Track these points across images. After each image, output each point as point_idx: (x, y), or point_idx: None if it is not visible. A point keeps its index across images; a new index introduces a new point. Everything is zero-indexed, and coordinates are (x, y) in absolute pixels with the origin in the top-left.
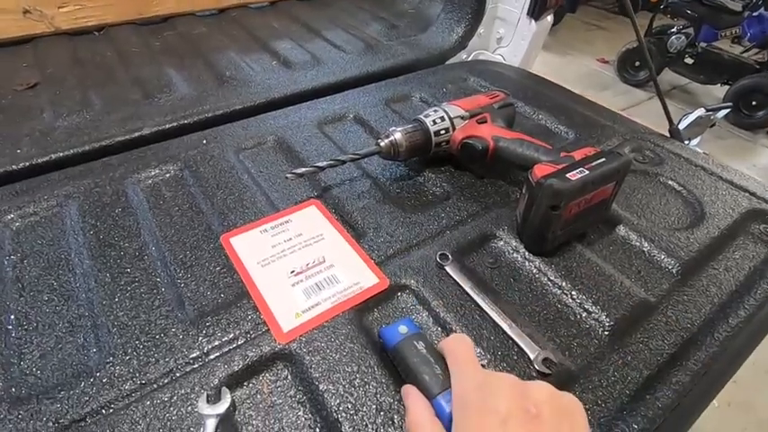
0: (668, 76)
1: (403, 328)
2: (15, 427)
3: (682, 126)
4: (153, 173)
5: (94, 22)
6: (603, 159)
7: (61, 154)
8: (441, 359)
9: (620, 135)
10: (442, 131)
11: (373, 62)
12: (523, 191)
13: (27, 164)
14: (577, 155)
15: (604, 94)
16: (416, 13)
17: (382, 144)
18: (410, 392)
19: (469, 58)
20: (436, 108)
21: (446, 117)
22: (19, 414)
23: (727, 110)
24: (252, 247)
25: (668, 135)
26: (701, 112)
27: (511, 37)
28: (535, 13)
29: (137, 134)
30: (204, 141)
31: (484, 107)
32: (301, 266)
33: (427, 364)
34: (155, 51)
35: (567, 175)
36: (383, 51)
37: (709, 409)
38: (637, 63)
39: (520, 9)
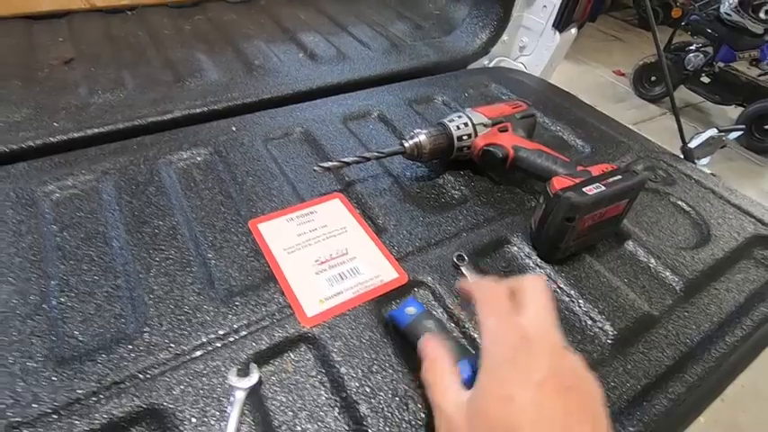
0: (683, 94)
1: (411, 309)
2: (62, 385)
3: (693, 145)
4: (185, 155)
5: (128, 0)
6: (619, 177)
7: (96, 130)
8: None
9: (634, 152)
10: (465, 137)
11: (397, 61)
12: (540, 201)
13: (64, 137)
14: (594, 170)
15: (618, 106)
16: (442, 16)
17: (406, 145)
18: (429, 341)
19: (491, 64)
20: (460, 114)
21: (469, 123)
22: (64, 372)
23: (740, 132)
24: (278, 235)
25: (681, 155)
26: (713, 132)
27: (534, 46)
28: (560, 25)
29: (168, 116)
30: (234, 128)
31: (506, 116)
32: (325, 256)
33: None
34: (185, 35)
35: (584, 190)
36: (407, 51)
37: (696, 426)
38: (653, 78)
39: (545, 20)
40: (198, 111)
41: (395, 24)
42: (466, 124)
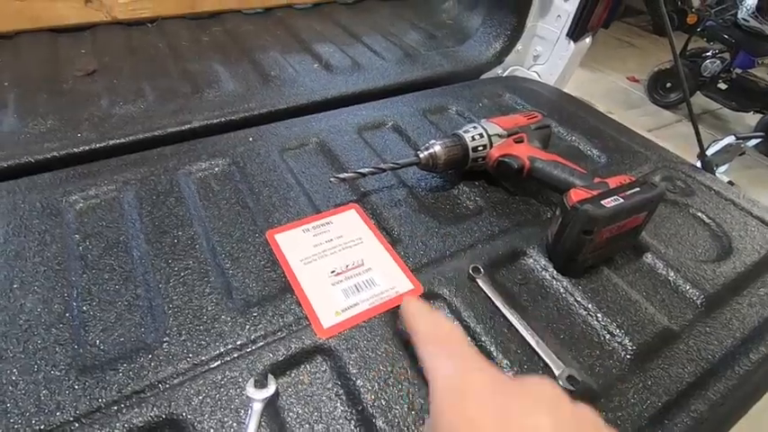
0: (699, 100)
1: None
2: (84, 393)
3: (711, 152)
4: (203, 166)
5: (148, 14)
6: (638, 189)
7: (117, 141)
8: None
9: (651, 163)
10: (480, 148)
11: (411, 71)
12: (557, 213)
13: (87, 148)
14: (612, 182)
15: (632, 113)
16: (455, 26)
17: (421, 156)
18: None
19: (505, 73)
20: (475, 125)
21: (485, 134)
22: (87, 381)
23: (758, 139)
24: (295, 245)
25: (699, 164)
26: (731, 139)
27: (548, 56)
28: (574, 34)
29: (187, 127)
30: (251, 139)
31: (521, 127)
32: (341, 267)
33: None
34: (203, 46)
35: (602, 202)
36: (421, 61)
37: None
38: (668, 84)
39: (559, 29)
40: (216, 121)
41: (409, 34)
42: (481, 135)
